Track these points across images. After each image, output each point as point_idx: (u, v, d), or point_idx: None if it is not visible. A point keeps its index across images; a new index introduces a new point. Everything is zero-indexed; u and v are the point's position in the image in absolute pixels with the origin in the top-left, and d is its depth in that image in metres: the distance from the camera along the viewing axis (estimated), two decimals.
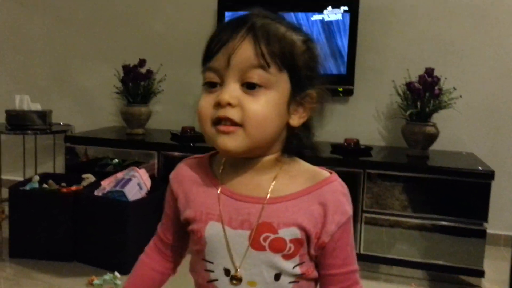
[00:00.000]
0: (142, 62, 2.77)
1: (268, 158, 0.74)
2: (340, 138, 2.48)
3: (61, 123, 3.10)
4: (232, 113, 0.68)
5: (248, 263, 0.72)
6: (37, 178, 2.41)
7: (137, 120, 2.78)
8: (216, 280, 0.74)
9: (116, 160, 2.62)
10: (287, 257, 0.72)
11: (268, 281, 0.72)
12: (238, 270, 0.72)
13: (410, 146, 2.42)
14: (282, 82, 0.70)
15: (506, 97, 2.56)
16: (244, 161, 0.74)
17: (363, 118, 2.72)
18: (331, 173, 0.76)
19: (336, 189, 0.74)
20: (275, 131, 0.71)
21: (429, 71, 2.34)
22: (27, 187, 2.34)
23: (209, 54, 0.71)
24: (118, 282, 2.01)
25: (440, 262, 2.17)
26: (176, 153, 2.52)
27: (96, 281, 2.00)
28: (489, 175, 2.12)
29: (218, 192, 0.75)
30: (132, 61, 2.78)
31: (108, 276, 2.02)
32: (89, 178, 2.44)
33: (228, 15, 2.75)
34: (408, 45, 2.64)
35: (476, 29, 2.56)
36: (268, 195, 0.73)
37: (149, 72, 2.78)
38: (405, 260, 2.21)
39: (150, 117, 2.85)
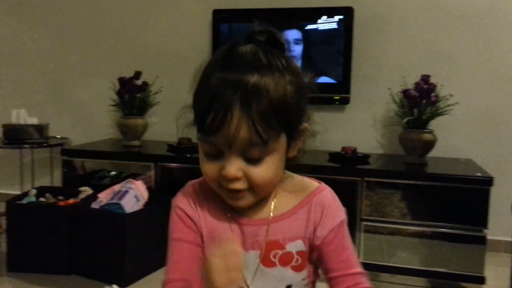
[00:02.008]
0: (137, 74, 2.77)
1: None
2: (337, 147, 2.48)
3: (58, 137, 3.10)
4: (240, 185, 0.72)
5: (261, 279, 0.77)
6: (34, 191, 2.41)
7: (134, 132, 2.78)
8: None
9: (113, 173, 2.61)
10: (296, 268, 0.77)
11: None
12: (251, 287, 0.77)
13: (408, 154, 2.42)
14: (281, 142, 0.72)
15: (503, 102, 2.56)
16: None
17: (360, 126, 2.72)
18: (320, 183, 0.82)
19: (326, 197, 0.79)
20: (279, 179, 0.77)
21: (425, 78, 2.35)
22: (24, 201, 2.33)
23: (205, 130, 0.70)
24: None
25: (441, 269, 2.16)
26: (173, 165, 2.51)
27: None
28: (488, 181, 2.11)
29: (228, 217, 0.79)
30: (128, 73, 2.79)
31: None
32: (86, 191, 2.44)
33: (223, 28, 2.76)
34: (403, 53, 2.64)
35: (472, 36, 2.57)
36: (271, 214, 0.78)
37: (145, 84, 2.78)
38: (406, 268, 2.20)
39: (146, 129, 2.85)
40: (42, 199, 2.39)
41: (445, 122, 2.47)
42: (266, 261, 0.77)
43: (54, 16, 3.18)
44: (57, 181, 3.07)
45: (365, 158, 2.43)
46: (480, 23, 2.56)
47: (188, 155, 2.54)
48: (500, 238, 2.53)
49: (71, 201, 2.33)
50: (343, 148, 2.44)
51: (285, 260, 0.77)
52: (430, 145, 2.38)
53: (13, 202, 2.29)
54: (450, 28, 2.59)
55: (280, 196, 0.79)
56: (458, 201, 2.16)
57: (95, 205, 2.25)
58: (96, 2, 3.10)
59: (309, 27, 2.64)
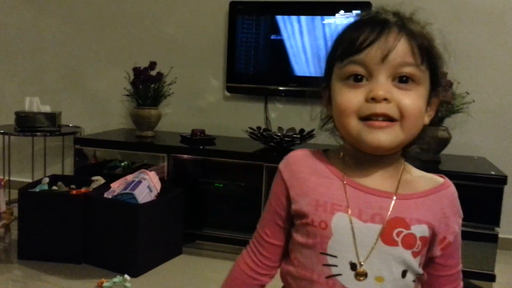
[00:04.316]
0: (152, 65, 2.77)
1: (393, 156, 0.75)
2: None
3: (70, 125, 3.10)
4: (389, 109, 0.68)
5: (377, 257, 0.71)
6: (46, 180, 2.41)
7: (147, 123, 2.78)
8: (340, 274, 0.71)
9: (125, 162, 2.61)
10: (415, 254, 0.72)
11: (396, 277, 0.71)
12: (363, 264, 0.71)
13: (422, 151, 2.40)
14: (426, 80, 0.71)
15: None
16: (369, 156, 0.73)
17: None
18: (443, 177, 0.79)
19: (453, 193, 0.77)
20: (421, 126, 0.73)
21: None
22: (37, 189, 2.33)
23: (354, 48, 0.69)
24: (128, 284, 1.99)
25: None
26: (186, 156, 2.51)
27: (106, 283, 1.98)
28: (502, 179, 2.10)
29: (344, 183, 0.74)
30: (142, 63, 2.78)
31: (117, 279, 2.01)
32: (99, 180, 2.44)
33: (240, 20, 2.75)
34: None
35: (489, 33, 2.55)
36: (398, 191, 0.73)
37: (160, 74, 2.78)
38: None
39: (160, 119, 2.85)
40: (54, 187, 2.39)
41: (460, 120, 2.45)
42: (387, 239, 0.70)
43: (70, 4, 3.17)
44: (68, 170, 3.08)
45: None
46: (498, 21, 2.54)
47: (201, 147, 2.54)
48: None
49: (83, 190, 2.34)
50: None
51: (409, 242, 0.71)
52: (444, 142, 2.37)
53: (25, 190, 2.29)
54: (469, 25, 2.57)
55: (404, 177, 0.75)
56: (471, 199, 2.12)
57: (107, 195, 2.25)
58: None
59: (327, 21, 2.63)
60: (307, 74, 2.68)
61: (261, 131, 2.53)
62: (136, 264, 2.12)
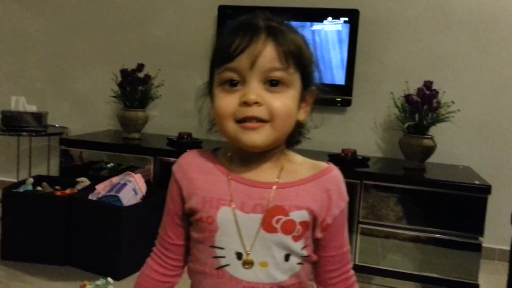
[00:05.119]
0: (140, 67, 2.76)
1: (276, 150, 0.79)
2: (338, 148, 2.48)
3: (57, 125, 3.08)
4: (259, 111, 0.72)
5: (259, 245, 0.75)
6: (31, 180, 2.39)
7: (134, 125, 2.77)
8: (228, 265, 0.76)
9: (111, 164, 2.60)
10: (296, 238, 0.76)
11: (279, 261, 0.76)
12: (250, 252, 0.75)
13: (407, 158, 2.43)
14: (296, 81, 0.76)
15: (503, 111, 2.58)
16: (251, 152, 0.78)
17: (361, 129, 2.73)
18: (328, 163, 0.83)
19: (337, 177, 0.80)
20: (293, 124, 0.77)
21: (428, 84, 2.35)
22: (21, 189, 2.32)
23: (228, 56, 0.74)
24: (111, 287, 1.98)
25: (435, 275, 2.17)
26: (172, 159, 2.50)
27: (88, 286, 1.96)
28: (486, 189, 2.12)
29: (228, 178, 0.78)
30: (130, 65, 2.77)
31: (100, 282, 1.99)
32: (84, 182, 2.42)
33: (228, 24, 2.75)
34: (407, 58, 2.65)
35: (475, 43, 2.58)
36: (278, 180, 0.77)
37: (147, 77, 2.77)
38: (400, 272, 2.21)
39: (147, 122, 2.84)
40: (39, 188, 2.37)
41: (445, 129, 2.48)
42: (267, 226, 0.75)
43: (58, 3, 3.16)
44: (54, 170, 3.06)
45: (364, 161, 2.43)
46: (484, 31, 2.57)
47: (187, 150, 2.53)
48: (495, 246, 2.55)
49: (68, 191, 2.32)
50: (343, 150, 2.44)
51: (288, 228, 0.75)
52: (429, 151, 2.39)
53: (9, 190, 2.27)
54: (454, 34, 2.60)
55: (287, 167, 0.79)
56: (455, 208, 2.17)
57: (92, 197, 2.24)
58: None
59: (315, 27, 2.64)
60: None
61: None
62: (119, 267, 2.11)
